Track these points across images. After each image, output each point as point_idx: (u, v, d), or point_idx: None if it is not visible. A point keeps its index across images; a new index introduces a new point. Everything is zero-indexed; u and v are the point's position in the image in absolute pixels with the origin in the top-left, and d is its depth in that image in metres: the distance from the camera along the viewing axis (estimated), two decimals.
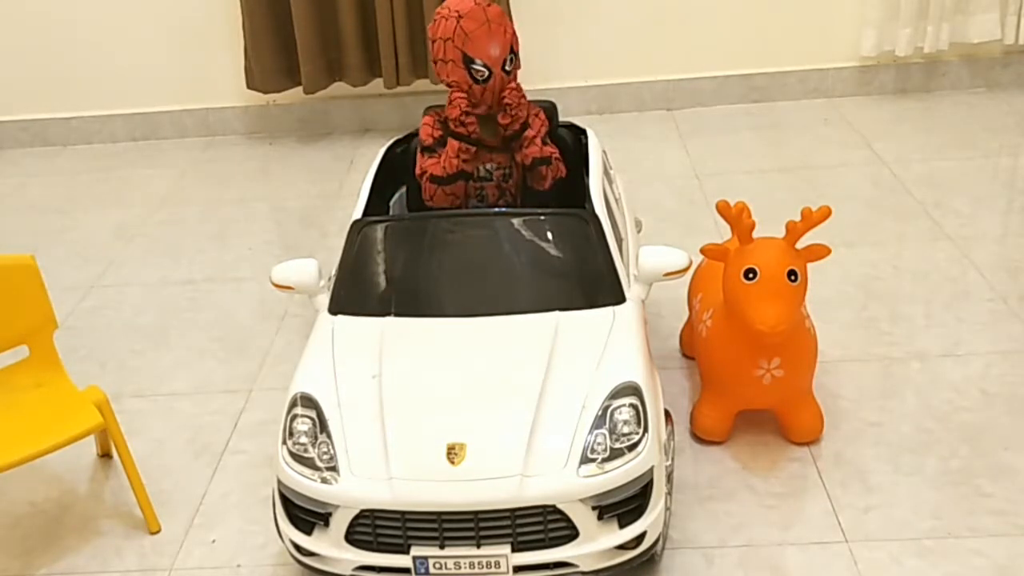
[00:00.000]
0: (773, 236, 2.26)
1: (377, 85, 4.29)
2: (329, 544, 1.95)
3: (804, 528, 2.19)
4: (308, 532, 1.98)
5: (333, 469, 1.94)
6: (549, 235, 2.31)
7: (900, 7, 4.16)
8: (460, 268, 2.30)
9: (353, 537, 1.93)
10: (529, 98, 2.52)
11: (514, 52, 2.47)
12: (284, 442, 2.02)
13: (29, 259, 2.29)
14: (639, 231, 2.87)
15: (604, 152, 2.66)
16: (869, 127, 4.11)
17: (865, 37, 4.25)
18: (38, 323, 2.33)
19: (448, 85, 2.47)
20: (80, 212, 3.95)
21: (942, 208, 3.44)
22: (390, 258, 2.34)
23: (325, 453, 1.96)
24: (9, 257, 2.30)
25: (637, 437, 1.95)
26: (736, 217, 2.23)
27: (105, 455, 2.55)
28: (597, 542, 1.91)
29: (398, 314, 2.21)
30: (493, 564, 1.90)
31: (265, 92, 4.33)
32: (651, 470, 1.95)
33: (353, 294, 2.27)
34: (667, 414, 2.15)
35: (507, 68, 2.45)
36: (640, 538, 1.95)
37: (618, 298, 2.21)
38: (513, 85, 2.47)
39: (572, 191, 2.55)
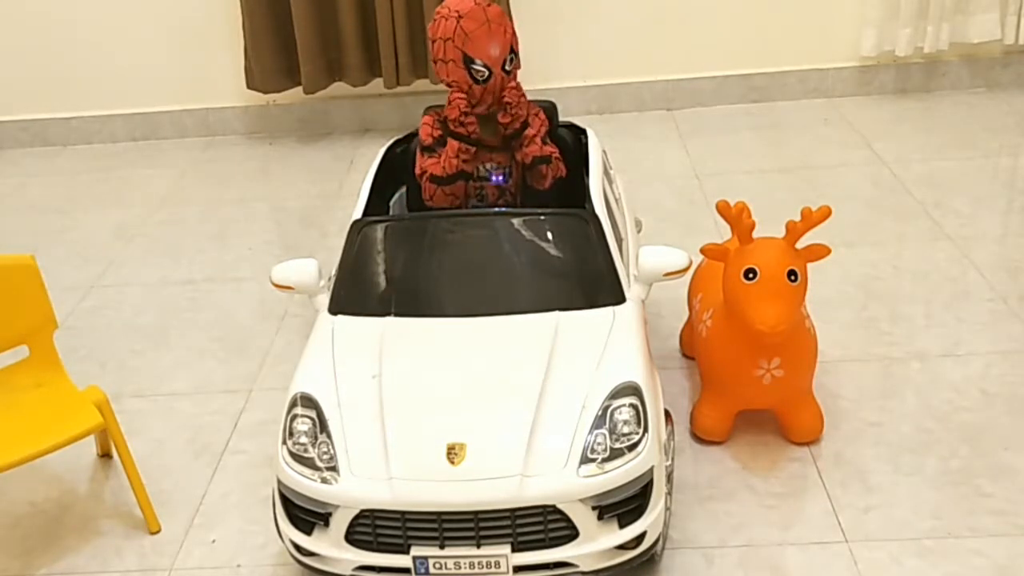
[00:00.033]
0: (773, 236, 2.26)
1: (377, 85, 4.29)
2: (329, 544, 1.95)
3: (804, 528, 2.19)
4: (308, 532, 1.98)
5: (333, 469, 1.94)
6: (549, 235, 2.31)
7: (900, 7, 4.16)
8: (460, 268, 2.30)
9: (353, 537, 1.93)
10: (529, 98, 2.52)
11: (514, 52, 2.47)
12: (284, 442, 2.02)
13: (29, 259, 2.29)
14: (639, 231, 2.87)
15: (604, 152, 2.67)
16: (869, 127, 4.11)
17: (865, 37, 4.25)
18: (38, 323, 2.33)
19: (448, 85, 2.47)
20: (80, 212, 3.95)
21: (942, 208, 3.44)
22: (390, 258, 2.34)
23: (325, 453, 1.96)
24: (9, 257, 2.30)
25: (637, 437, 1.95)
26: (736, 217, 2.23)
27: (105, 455, 2.55)
28: (597, 542, 1.91)
29: (398, 314, 2.21)
30: (493, 564, 1.90)
31: (265, 92, 4.33)
32: (651, 470, 1.95)
33: (353, 294, 2.27)
34: (667, 414, 2.15)
35: (507, 68, 2.45)
36: (640, 538, 1.95)
37: (618, 298, 2.21)
38: (513, 84, 2.47)
39: (572, 191, 2.55)
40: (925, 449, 2.38)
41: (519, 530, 1.89)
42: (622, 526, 1.93)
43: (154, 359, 2.97)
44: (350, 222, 2.34)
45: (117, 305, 3.27)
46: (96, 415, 2.20)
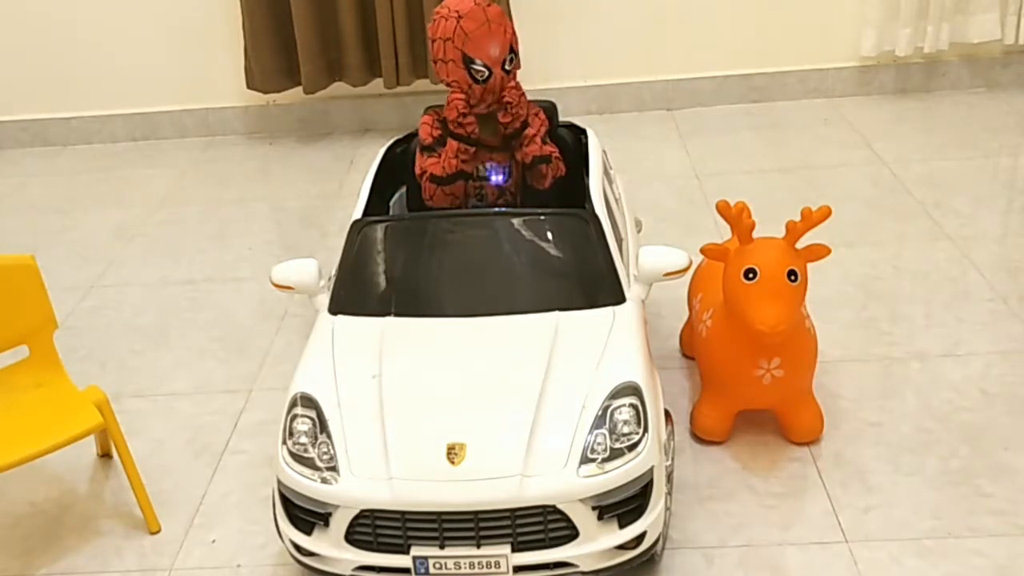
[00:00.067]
0: (773, 236, 2.26)
1: (377, 85, 4.29)
2: (329, 544, 1.95)
3: (804, 528, 2.19)
4: (308, 532, 1.98)
5: (333, 469, 1.94)
6: (549, 235, 2.31)
7: (900, 7, 4.16)
8: (460, 268, 2.30)
9: (353, 537, 1.93)
10: (529, 98, 2.52)
11: (514, 52, 2.47)
12: (284, 442, 2.02)
13: (29, 259, 2.29)
14: (639, 231, 2.87)
15: (604, 152, 2.66)
16: (869, 127, 4.11)
17: (865, 37, 4.24)
18: (38, 323, 2.33)
19: (448, 85, 2.47)
20: (80, 212, 3.95)
21: (942, 208, 3.44)
22: (390, 258, 2.34)
23: (325, 453, 1.96)
24: (9, 257, 2.30)
25: (637, 437, 1.95)
26: (736, 217, 2.23)
27: (105, 455, 2.55)
28: (597, 542, 1.91)
29: (398, 314, 2.21)
30: (493, 564, 1.90)
31: (265, 92, 4.33)
32: (651, 470, 1.95)
33: (353, 294, 2.27)
34: (667, 414, 2.15)
35: (507, 68, 2.44)
36: (640, 538, 1.95)
37: (618, 298, 2.21)
38: (513, 84, 2.47)
39: (572, 191, 2.55)
40: (925, 449, 2.38)
41: (519, 530, 1.89)
42: (622, 526, 1.93)
43: (154, 359, 2.97)
44: (350, 222, 2.34)
45: (117, 305, 3.27)
46: (96, 415, 2.20)
